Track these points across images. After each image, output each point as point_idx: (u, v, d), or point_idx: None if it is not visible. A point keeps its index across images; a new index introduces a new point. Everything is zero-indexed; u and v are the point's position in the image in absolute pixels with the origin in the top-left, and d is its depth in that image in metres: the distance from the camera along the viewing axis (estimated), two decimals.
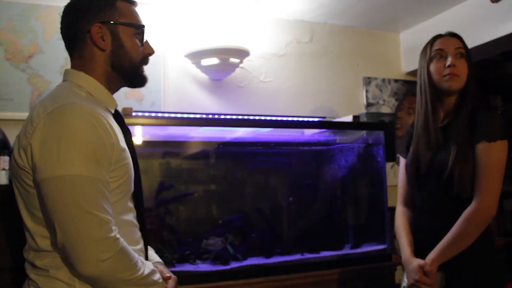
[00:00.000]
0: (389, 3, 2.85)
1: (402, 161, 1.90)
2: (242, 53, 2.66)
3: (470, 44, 2.78)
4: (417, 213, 1.79)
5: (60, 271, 1.12)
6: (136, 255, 1.16)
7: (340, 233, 2.67)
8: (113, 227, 1.10)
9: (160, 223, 2.32)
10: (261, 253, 2.40)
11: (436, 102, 1.74)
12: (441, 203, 1.70)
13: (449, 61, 1.70)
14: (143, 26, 1.31)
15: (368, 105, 3.17)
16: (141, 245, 1.29)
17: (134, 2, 1.33)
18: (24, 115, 1.33)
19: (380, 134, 2.62)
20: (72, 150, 1.07)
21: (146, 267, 1.19)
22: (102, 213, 1.08)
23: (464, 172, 1.62)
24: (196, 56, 2.63)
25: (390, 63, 3.32)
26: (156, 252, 1.46)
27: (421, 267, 1.62)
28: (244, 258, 2.30)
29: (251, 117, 2.70)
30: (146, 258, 1.32)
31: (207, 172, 2.57)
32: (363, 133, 2.72)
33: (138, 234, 1.29)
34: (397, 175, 1.98)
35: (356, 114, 2.72)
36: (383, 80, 3.22)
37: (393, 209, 1.98)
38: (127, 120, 1.38)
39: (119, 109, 1.38)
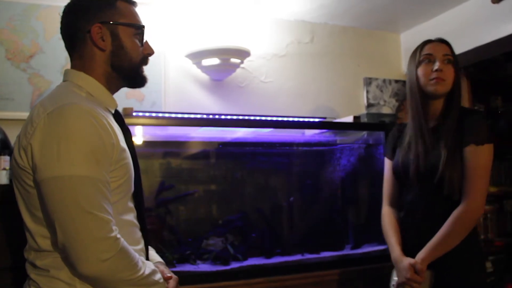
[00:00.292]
0: (390, 4, 2.85)
1: (387, 162, 1.96)
2: (242, 53, 2.66)
3: (471, 45, 2.81)
4: (407, 213, 1.84)
5: (61, 271, 1.12)
6: (136, 255, 1.16)
7: (340, 233, 2.67)
8: (114, 227, 1.10)
9: (160, 223, 2.32)
10: (262, 253, 2.40)
11: (425, 105, 1.81)
12: (432, 204, 1.75)
13: (436, 65, 1.76)
14: (143, 26, 1.31)
15: (369, 105, 3.17)
16: (141, 245, 1.29)
17: (134, 2, 1.33)
18: (25, 115, 1.33)
19: (381, 134, 2.62)
20: (72, 150, 1.07)
21: (147, 267, 1.19)
22: (102, 213, 1.08)
23: (454, 176, 1.68)
24: (196, 56, 2.63)
25: (390, 63, 3.32)
26: (156, 252, 1.46)
27: (412, 266, 1.67)
28: (245, 258, 2.30)
29: (252, 118, 2.69)
30: (147, 258, 1.32)
31: (208, 172, 2.58)
32: (364, 133, 2.72)
33: (139, 234, 1.29)
34: None
35: (356, 114, 2.72)
36: (384, 80, 3.22)
37: None
38: (127, 120, 1.38)
39: (120, 109, 1.38)
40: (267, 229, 2.53)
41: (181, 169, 2.53)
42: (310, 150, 2.81)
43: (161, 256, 1.45)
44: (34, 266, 1.17)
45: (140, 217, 1.31)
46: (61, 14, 1.28)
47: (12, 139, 1.88)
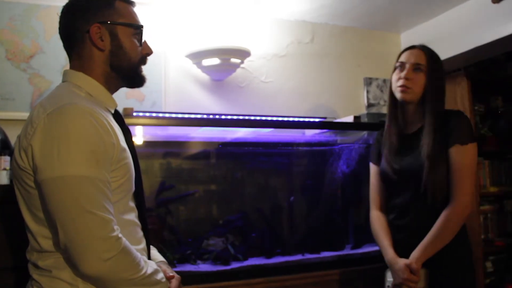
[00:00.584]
0: (390, 4, 2.85)
1: (373, 167, 2.01)
2: (243, 54, 2.66)
3: (471, 45, 2.80)
4: (398, 215, 1.87)
5: (63, 272, 1.12)
6: (138, 254, 1.16)
7: (341, 233, 2.67)
8: (115, 227, 1.10)
9: (161, 223, 2.32)
10: (262, 253, 2.40)
11: (396, 110, 1.88)
12: (422, 205, 1.78)
13: (403, 74, 1.82)
14: (142, 26, 1.31)
15: (369, 105, 3.17)
16: (143, 245, 1.29)
17: (133, 2, 1.33)
18: (25, 115, 1.33)
19: None
20: (73, 150, 1.07)
21: (149, 266, 1.19)
22: (103, 212, 1.08)
23: (437, 185, 1.73)
24: (197, 56, 2.63)
25: (391, 63, 3.24)
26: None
27: (408, 266, 1.71)
28: (245, 258, 2.31)
29: (252, 118, 2.69)
30: (149, 258, 1.32)
31: (208, 172, 2.58)
32: (364, 133, 2.72)
33: (140, 233, 1.29)
34: None
35: (357, 114, 2.71)
36: (384, 80, 3.22)
37: None
38: (128, 120, 1.38)
39: (120, 109, 1.38)
40: (268, 229, 2.53)
41: (182, 169, 2.53)
42: (310, 150, 2.81)
43: (162, 256, 1.45)
44: (36, 266, 1.17)
45: (141, 217, 1.31)
46: (59, 14, 1.28)
47: (12, 139, 1.88)
